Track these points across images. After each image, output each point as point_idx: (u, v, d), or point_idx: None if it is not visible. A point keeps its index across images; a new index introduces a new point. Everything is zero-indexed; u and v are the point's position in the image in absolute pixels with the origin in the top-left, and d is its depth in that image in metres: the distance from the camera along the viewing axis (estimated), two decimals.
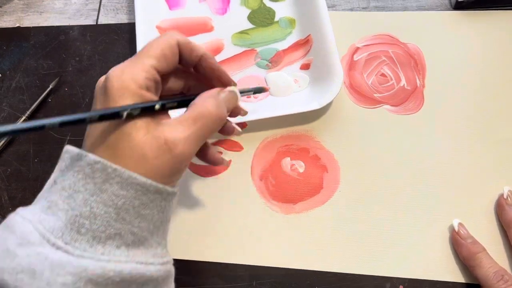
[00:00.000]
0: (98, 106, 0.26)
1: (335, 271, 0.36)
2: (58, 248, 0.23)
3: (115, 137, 0.25)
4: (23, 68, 0.45)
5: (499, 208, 0.37)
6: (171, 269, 0.27)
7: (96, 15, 0.47)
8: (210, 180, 0.40)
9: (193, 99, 0.28)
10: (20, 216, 0.24)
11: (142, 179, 0.24)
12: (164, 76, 0.28)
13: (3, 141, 0.41)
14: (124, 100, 0.25)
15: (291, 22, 0.45)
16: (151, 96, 0.26)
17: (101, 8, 0.48)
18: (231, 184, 0.39)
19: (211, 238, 0.38)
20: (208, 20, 0.45)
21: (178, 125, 0.26)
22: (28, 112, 0.42)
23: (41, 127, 0.23)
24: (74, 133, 0.42)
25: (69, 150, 0.25)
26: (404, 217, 0.38)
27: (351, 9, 0.46)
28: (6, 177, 0.41)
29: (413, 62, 0.43)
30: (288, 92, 0.42)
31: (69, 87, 0.44)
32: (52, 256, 0.22)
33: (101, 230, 0.24)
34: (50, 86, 0.43)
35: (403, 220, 0.38)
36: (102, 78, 0.27)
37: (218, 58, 0.44)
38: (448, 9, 0.45)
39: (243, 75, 0.43)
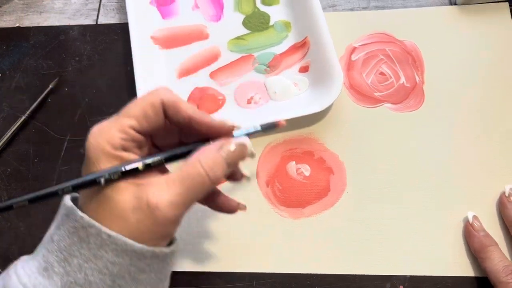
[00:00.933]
0: (83, 166, 0.26)
1: (341, 273, 0.36)
2: None
3: (97, 200, 0.24)
4: (23, 68, 0.45)
5: (501, 206, 0.37)
6: None
7: (96, 15, 0.47)
8: None
9: (187, 151, 0.26)
10: (17, 278, 0.23)
11: (138, 246, 0.23)
12: (154, 132, 0.27)
13: (3, 141, 0.41)
14: (100, 162, 0.24)
15: (287, 25, 0.45)
16: (130, 156, 0.25)
17: (101, 8, 0.48)
18: (237, 192, 0.39)
19: (218, 248, 0.37)
20: (203, 28, 0.45)
21: (163, 186, 0.24)
22: (28, 112, 0.42)
23: (9, 207, 0.24)
24: (74, 133, 0.42)
25: (65, 204, 0.25)
26: (409, 214, 0.38)
27: (351, 9, 0.46)
28: (6, 177, 0.41)
29: (410, 59, 0.43)
30: (288, 95, 0.42)
31: (69, 87, 0.44)
32: None
33: None
34: (50, 86, 0.43)
35: (407, 218, 0.38)
36: None
37: (215, 65, 0.43)
38: (445, 5, 0.45)
39: (241, 81, 0.43)
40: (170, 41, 0.44)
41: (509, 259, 0.35)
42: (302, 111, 0.39)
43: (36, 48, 0.46)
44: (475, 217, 0.36)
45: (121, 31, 0.46)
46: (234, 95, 0.42)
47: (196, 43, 0.44)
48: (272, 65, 0.43)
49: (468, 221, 0.36)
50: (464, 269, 0.36)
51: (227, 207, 0.31)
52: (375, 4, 0.46)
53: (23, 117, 0.42)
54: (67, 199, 0.25)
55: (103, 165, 0.24)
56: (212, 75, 0.43)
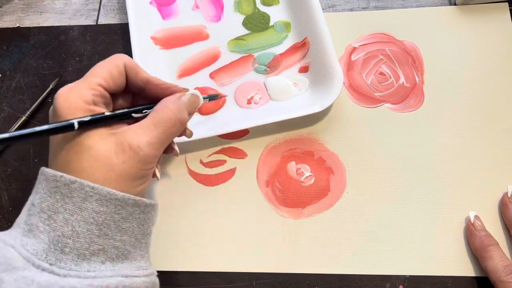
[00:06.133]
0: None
1: (340, 273, 0.36)
2: (44, 269, 0.23)
3: (76, 151, 0.26)
4: (23, 68, 0.45)
5: (503, 206, 0.37)
6: (156, 280, 0.28)
7: (96, 15, 0.47)
8: (215, 189, 0.39)
9: (149, 107, 0.29)
10: (2, 241, 0.24)
11: (120, 194, 0.25)
12: (113, 96, 0.29)
13: None
14: (74, 116, 0.26)
15: (287, 26, 0.45)
16: (101, 110, 0.27)
17: (101, 8, 0.48)
18: (237, 192, 0.39)
19: (219, 249, 0.38)
20: (202, 28, 0.45)
21: (140, 131, 0.27)
22: (28, 112, 0.42)
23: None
24: None
25: (44, 171, 0.26)
26: (409, 214, 0.38)
27: (351, 9, 0.46)
28: (6, 177, 0.41)
29: (410, 59, 0.43)
30: (288, 96, 0.42)
31: None
32: (38, 279, 0.23)
33: (85, 247, 0.24)
34: (50, 86, 0.43)
35: (407, 217, 0.38)
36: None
37: (216, 65, 0.43)
38: (445, 5, 0.45)
39: (241, 82, 0.43)
40: (170, 42, 0.44)
41: (510, 259, 0.35)
42: (303, 112, 0.39)
43: (36, 48, 0.46)
44: (476, 216, 0.37)
45: (121, 31, 0.46)
46: (234, 95, 0.42)
47: (196, 44, 0.44)
48: (272, 65, 0.43)
49: (469, 220, 0.37)
50: (464, 269, 0.36)
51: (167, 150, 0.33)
52: (375, 4, 0.46)
53: (23, 117, 0.42)
54: (44, 168, 0.26)
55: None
56: (212, 75, 0.43)
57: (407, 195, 0.39)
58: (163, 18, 0.46)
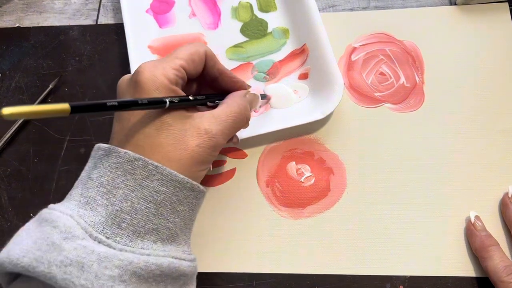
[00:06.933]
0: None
1: (340, 273, 0.36)
2: (100, 242, 0.24)
3: (157, 126, 0.26)
4: (23, 68, 0.45)
5: (504, 206, 0.37)
6: (197, 266, 0.28)
7: (96, 15, 0.47)
8: (215, 189, 0.39)
9: (219, 97, 0.32)
10: (59, 211, 0.24)
11: (180, 176, 0.26)
12: (192, 78, 0.30)
13: (3, 141, 0.41)
14: (158, 93, 0.26)
15: (285, 32, 0.44)
16: (180, 91, 0.28)
17: (101, 8, 0.48)
18: (238, 193, 0.39)
19: (219, 249, 0.38)
20: (200, 36, 0.45)
21: (214, 119, 0.28)
22: None
23: (103, 106, 0.23)
24: (74, 133, 0.42)
25: (102, 147, 0.26)
26: (409, 214, 0.38)
27: (351, 9, 0.46)
28: (6, 177, 0.41)
29: (410, 59, 0.43)
30: (288, 103, 0.41)
31: (69, 87, 0.44)
32: (98, 250, 0.23)
33: (141, 225, 0.25)
34: (50, 86, 0.43)
35: (408, 217, 0.38)
36: (127, 76, 0.28)
37: None
38: (445, 5, 0.45)
39: None
40: (168, 50, 0.44)
41: (510, 259, 0.35)
42: (304, 119, 0.39)
43: (36, 48, 0.46)
44: (477, 217, 0.37)
45: (121, 31, 0.46)
46: None
47: None
48: (271, 73, 0.43)
49: (470, 220, 0.37)
50: (464, 269, 0.36)
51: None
52: (375, 4, 0.46)
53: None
54: (101, 144, 0.27)
55: (160, 95, 0.26)
56: None
57: (407, 195, 0.39)
58: (160, 26, 0.45)
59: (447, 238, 0.37)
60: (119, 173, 0.25)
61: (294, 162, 0.40)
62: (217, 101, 0.31)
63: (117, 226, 0.24)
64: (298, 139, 0.41)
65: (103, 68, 0.45)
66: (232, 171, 0.40)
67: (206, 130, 0.27)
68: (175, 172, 0.26)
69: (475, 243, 0.35)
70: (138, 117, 0.27)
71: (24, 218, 0.39)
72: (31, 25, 0.47)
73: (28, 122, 0.43)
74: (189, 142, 0.27)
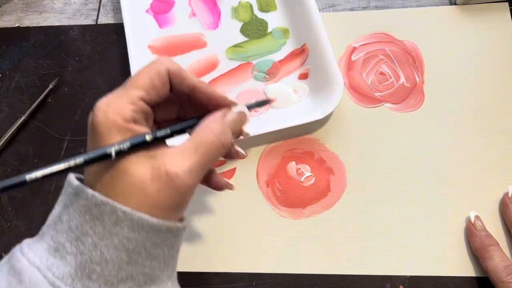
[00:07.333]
0: (89, 143, 0.25)
1: (340, 273, 0.36)
2: None
3: (110, 174, 0.24)
4: (23, 68, 0.45)
5: (504, 206, 0.37)
6: None
7: (96, 15, 0.47)
8: None
9: (192, 124, 0.27)
10: (27, 260, 0.23)
11: (154, 220, 0.23)
12: (156, 105, 0.26)
13: (3, 141, 0.41)
14: (112, 136, 0.24)
15: (285, 32, 0.44)
16: (141, 129, 0.25)
17: (101, 8, 0.48)
18: (238, 193, 0.39)
19: (219, 249, 0.38)
20: (200, 36, 0.45)
21: (179, 156, 0.24)
22: (28, 112, 0.42)
23: (23, 183, 0.23)
24: (74, 133, 0.42)
25: (72, 184, 0.24)
26: (409, 214, 0.38)
27: (351, 9, 0.46)
28: (6, 177, 0.41)
29: (410, 59, 0.43)
30: (288, 103, 0.41)
31: (69, 87, 0.44)
32: None
33: (113, 274, 0.23)
34: (50, 86, 0.43)
35: (408, 217, 0.38)
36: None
37: (214, 74, 0.43)
38: (445, 5, 0.45)
39: (241, 90, 0.42)
40: (168, 50, 0.44)
41: (510, 259, 0.35)
42: (304, 119, 0.39)
43: (36, 48, 0.46)
44: (477, 217, 0.37)
45: (121, 31, 0.46)
46: None
47: (194, 52, 0.44)
48: (271, 73, 0.43)
49: (470, 220, 0.37)
50: (464, 269, 0.36)
51: (219, 185, 0.32)
52: (375, 4, 0.46)
53: (23, 117, 0.42)
54: (72, 178, 0.24)
55: (114, 139, 0.24)
56: (211, 83, 0.43)
57: (407, 195, 0.39)
58: (160, 26, 0.45)
59: (447, 238, 0.37)
60: (87, 218, 0.23)
61: (294, 162, 0.40)
62: (188, 130, 0.26)
63: (87, 278, 0.22)
64: (298, 139, 0.41)
65: (103, 68, 0.45)
66: (232, 171, 0.40)
67: (166, 171, 0.23)
68: (147, 217, 0.23)
69: (475, 243, 0.35)
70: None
71: (24, 218, 0.39)
72: (31, 25, 0.47)
73: (28, 122, 0.43)
74: (149, 189, 0.23)
